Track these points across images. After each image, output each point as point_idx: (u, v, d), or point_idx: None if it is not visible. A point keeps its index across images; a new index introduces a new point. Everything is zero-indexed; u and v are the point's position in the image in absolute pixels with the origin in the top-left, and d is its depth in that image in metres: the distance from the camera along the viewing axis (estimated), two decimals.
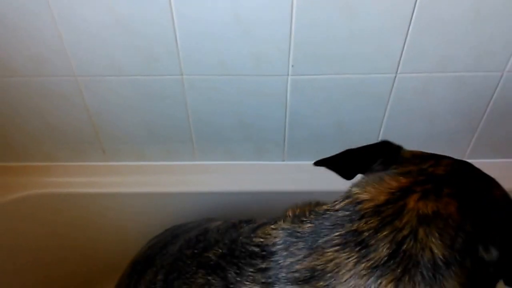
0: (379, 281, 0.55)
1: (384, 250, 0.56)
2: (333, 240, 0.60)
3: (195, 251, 0.79)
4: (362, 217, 0.59)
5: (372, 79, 0.98)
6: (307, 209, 0.69)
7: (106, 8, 0.88)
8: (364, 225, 0.59)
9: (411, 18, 0.88)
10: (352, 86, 1.00)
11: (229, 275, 0.68)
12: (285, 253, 0.64)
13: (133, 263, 0.97)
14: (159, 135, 1.11)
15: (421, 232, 0.56)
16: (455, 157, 0.68)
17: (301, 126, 1.09)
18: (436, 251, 0.54)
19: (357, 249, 0.57)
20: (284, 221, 0.69)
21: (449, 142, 1.12)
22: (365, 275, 0.56)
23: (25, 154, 1.15)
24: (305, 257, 0.61)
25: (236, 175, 1.16)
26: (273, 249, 0.66)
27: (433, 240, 0.55)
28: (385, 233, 0.57)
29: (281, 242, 0.66)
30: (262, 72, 0.98)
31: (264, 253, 0.66)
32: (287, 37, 0.92)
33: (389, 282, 0.55)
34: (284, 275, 0.62)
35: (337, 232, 0.60)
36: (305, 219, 0.66)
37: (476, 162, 0.67)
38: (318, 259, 0.60)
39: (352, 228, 0.59)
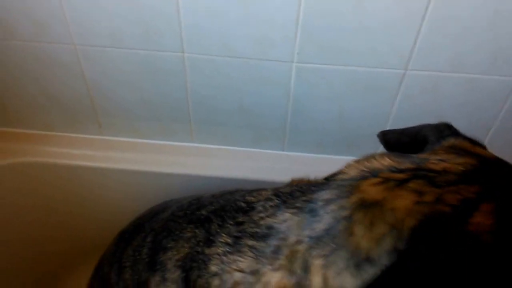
0: (313, 252, 0.53)
1: (325, 224, 0.53)
2: (296, 202, 0.59)
3: (187, 211, 0.78)
4: (327, 187, 0.57)
5: (380, 74, 0.94)
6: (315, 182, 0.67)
7: None
8: (323, 194, 0.56)
9: (425, 13, 0.84)
10: (358, 79, 0.96)
11: (213, 226, 0.68)
12: (260, 208, 0.63)
13: (120, 233, 0.96)
14: (156, 113, 1.08)
15: (355, 218, 0.51)
16: None
17: (304, 116, 1.05)
18: (361, 242, 0.50)
19: (307, 216, 0.56)
20: (284, 187, 0.67)
21: None
22: (304, 242, 0.54)
23: (20, 120, 1.13)
24: (271, 214, 0.61)
25: (232, 161, 1.13)
26: (255, 205, 0.65)
27: (362, 229, 0.50)
28: (332, 207, 0.54)
29: (263, 199, 0.65)
30: (266, 56, 0.94)
31: (247, 208, 0.66)
32: (294, 22, 0.88)
33: (320, 257, 0.52)
34: (250, 229, 0.62)
35: (304, 197, 0.59)
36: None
37: None
38: (277, 217, 0.59)
39: (314, 196, 0.57)
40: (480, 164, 0.55)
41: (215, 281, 0.63)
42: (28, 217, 1.17)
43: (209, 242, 0.67)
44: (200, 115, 1.08)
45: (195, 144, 1.16)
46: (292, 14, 0.87)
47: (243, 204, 0.67)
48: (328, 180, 0.59)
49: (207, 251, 0.66)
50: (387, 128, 1.04)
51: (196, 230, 0.72)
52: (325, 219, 0.54)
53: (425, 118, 1.00)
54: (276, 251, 0.57)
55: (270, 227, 0.60)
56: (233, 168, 1.12)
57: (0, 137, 1.13)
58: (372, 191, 0.52)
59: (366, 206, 0.51)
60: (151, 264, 0.76)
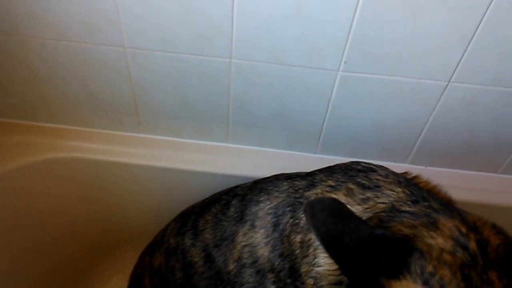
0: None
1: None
2: (417, 197, 0.71)
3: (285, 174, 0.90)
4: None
5: (315, 73, 0.97)
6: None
7: None
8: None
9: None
10: (294, 77, 0.99)
11: (317, 177, 0.81)
12: (382, 173, 0.77)
13: (183, 213, 1.03)
14: (103, 104, 1.10)
15: None
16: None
17: (245, 111, 1.08)
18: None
19: (408, 203, 0.68)
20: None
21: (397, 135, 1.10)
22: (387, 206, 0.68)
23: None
24: (389, 182, 0.74)
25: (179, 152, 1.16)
26: (377, 169, 0.80)
27: None
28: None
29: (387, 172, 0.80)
30: (204, 53, 0.96)
31: (369, 171, 0.80)
32: (229, 19, 0.90)
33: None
34: (359, 180, 0.76)
35: (425, 202, 0.69)
36: None
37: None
38: (391, 186, 0.73)
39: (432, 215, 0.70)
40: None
41: None
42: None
43: (310, 187, 0.79)
44: (146, 106, 1.10)
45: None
46: (226, 11, 0.88)
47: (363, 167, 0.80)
48: None
49: (306, 194, 0.78)
50: (325, 124, 1.09)
51: (296, 182, 0.83)
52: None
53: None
54: (366, 200, 0.70)
55: (378, 186, 0.72)
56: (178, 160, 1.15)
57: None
58: None
59: None
60: (240, 218, 0.85)
